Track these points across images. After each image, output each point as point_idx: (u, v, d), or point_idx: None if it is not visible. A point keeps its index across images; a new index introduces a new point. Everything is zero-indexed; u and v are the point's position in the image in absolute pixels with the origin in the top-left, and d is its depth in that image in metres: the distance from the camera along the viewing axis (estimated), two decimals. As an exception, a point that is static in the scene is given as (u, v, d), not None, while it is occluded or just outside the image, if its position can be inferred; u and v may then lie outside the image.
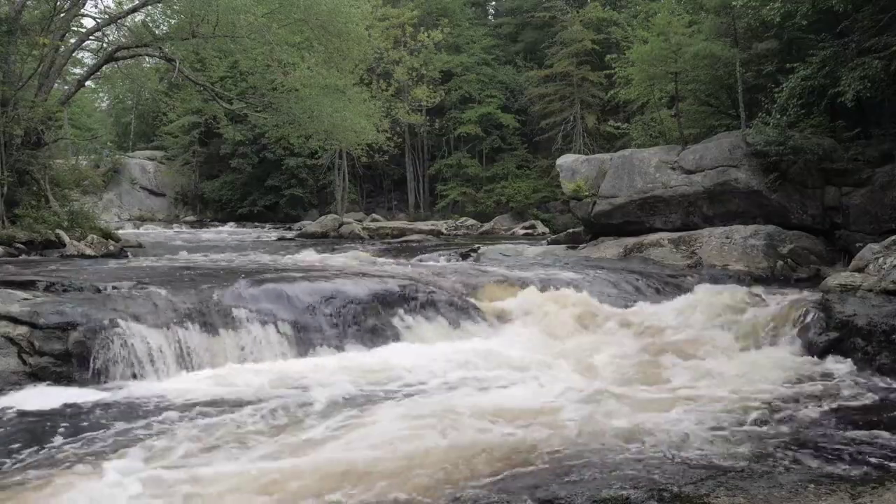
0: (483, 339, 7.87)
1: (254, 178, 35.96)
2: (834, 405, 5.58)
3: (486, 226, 29.93)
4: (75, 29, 16.78)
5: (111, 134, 42.88)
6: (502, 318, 8.49)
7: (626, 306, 9.14)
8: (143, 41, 16.56)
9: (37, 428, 4.92)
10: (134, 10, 17.07)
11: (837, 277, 9.07)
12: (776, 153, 11.96)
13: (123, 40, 16.99)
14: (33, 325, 6.13)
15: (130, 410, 5.36)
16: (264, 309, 7.30)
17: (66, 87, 17.69)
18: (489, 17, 43.84)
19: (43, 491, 3.87)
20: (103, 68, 17.26)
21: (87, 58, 19.79)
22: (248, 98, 19.69)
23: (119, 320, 6.37)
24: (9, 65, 13.90)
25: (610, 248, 13.30)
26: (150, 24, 17.84)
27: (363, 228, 26.35)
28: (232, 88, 23.85)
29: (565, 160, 15.62)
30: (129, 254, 14.08)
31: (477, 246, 16.45)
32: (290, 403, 5.52)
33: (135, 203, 38.78)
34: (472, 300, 8.73)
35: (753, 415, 5.28)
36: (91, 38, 16.84)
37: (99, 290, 7.30)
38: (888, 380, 6.34)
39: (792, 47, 13.24)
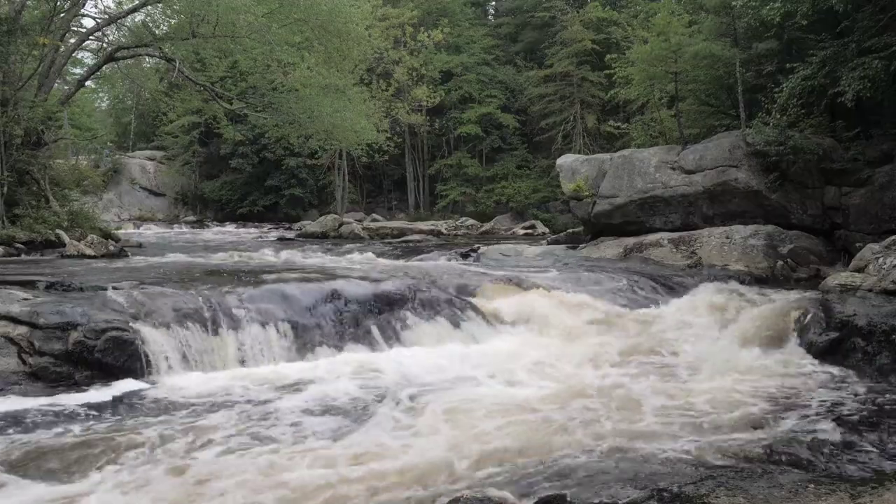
0: (483, 340, 7.87)
1: (254, 178, 35.95)
2: (834, 405, 5.58)
3: (486, 226, 29.92)
4: (75, 29, 16.77)
5: (111, 134, 42.84)
6: (502, 318, 8.47)
7: (626, 306, 9.14)
8: (143, 41, 16.55)
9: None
10: (134, 10, 17.06)
11: (837, 277, 9.08)
12: (776, 153, 11.96)
13: (123, 40, 16.99)
14: (33, 325, 6.12)
15: (131, 409, 5.37)
16: (264, 309, 7.30)
17: (66, 87, 17.68)
18: (489, 17, 43.81)
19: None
20: (103, 68, 17.25)
21: (87, 58, 19.81)
22: (248, 98, 19.68)
23: (119, 320, 6.37)
24: (9, 65, 13.89)
25: (610, 248, 13.30)
26: (150, 24, 17.79)
27: (363, 228, 26.36)
28: (232, 88, 23.84)
29: (565, 160, 15.62)
30: (129, 254, 14.07)
31: (477, 246, 16.45)
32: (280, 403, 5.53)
33: (135, 203, 38.77)
34: (472, 300, 8.73)
35: (753, 414, 5.28)
36: (91, 38, 16.83)
37: (99, 290, 7.30)
38: (888, 380, 6.34)
39: (792, 47, 13.24)
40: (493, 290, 9.16)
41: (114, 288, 7.35)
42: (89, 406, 5.41)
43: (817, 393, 5.97)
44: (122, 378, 6.02)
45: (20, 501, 3.84)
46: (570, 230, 18.00)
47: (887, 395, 5.85)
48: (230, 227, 31.79)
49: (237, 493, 3.91)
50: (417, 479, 4.06)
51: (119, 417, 5.23)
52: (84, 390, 5.74)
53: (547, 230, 27.30)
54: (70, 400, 5.49)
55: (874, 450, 4.48)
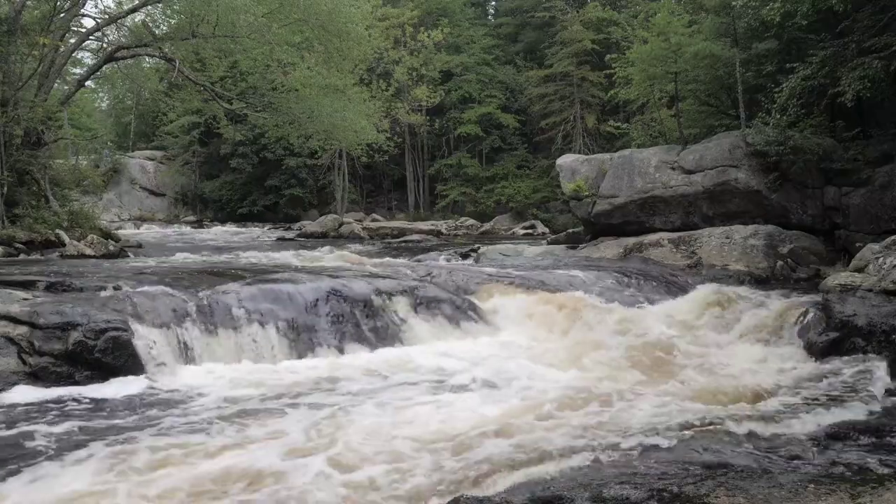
0: (483, 339, 7.87)
1: (254, 178, 35.96)
2: (833, 405, 5.57)
3: (486, 226, 29.95)
4: (75, 29, 16.78)
5: (111, 134, 42.90)
6: (502, 317, 8.48)
7: (626, 306, 9.12)
8: (143, 41, 16.56)
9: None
10: (134, 10, 17.08)
11: (837, 277, 9.07)
12: (776, 153, 11.96)
13: (123, 40, 16.99)
14: (33, 325, 6.12)
15: (130, 407, 5.37)
16: (263, 309, 7.30)
17: (66, 87, 17.69)
18: (489, 17, 43.87)
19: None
20: (103, 68, 17.26)
21: (87, 58, 19.83)
22: (248, 98, 19.70)
23: (119, 320, 6.37)
24: (9, 65, 13.90)
25: (610, 248, 13.30)
26: (150, 24, 17.80)
27: (363, 228, 26.39)
28: (232, 88, 23.84)
29: (565, 160, 15.62)
30: (129, 254, 14.08)
31: (477, 246, 16.48)
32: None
33: (135, 203, 38.78)
34: (472, 300, 8.74)
35: (753, 415, 5.28)
36: (91, 38, 16.85)
37: (99, 290, 7.30)
38: (888, 380, 6.33)
39: (792, 47, 13.25)
40: (493, 290, 9.16)
41: (113, 288, 7.36)
42: (87, 404, 5.41)
43: (817, 393, 5.96)
44: (122, 378, 6.02)
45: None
46: (570, 230, 18.02)
47: (887, 396, 5.85)
48: (230, 227, 31.75)
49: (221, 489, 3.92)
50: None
51: (117, 416, 5.22)
52: (83, 390, 5.74)
53: (547, 230, 27.33)
54: (68, 398, 5.49)
55: (874, 449, 4.48)
